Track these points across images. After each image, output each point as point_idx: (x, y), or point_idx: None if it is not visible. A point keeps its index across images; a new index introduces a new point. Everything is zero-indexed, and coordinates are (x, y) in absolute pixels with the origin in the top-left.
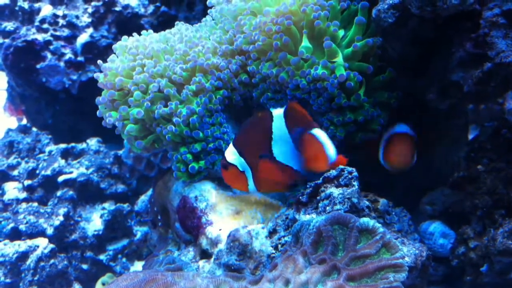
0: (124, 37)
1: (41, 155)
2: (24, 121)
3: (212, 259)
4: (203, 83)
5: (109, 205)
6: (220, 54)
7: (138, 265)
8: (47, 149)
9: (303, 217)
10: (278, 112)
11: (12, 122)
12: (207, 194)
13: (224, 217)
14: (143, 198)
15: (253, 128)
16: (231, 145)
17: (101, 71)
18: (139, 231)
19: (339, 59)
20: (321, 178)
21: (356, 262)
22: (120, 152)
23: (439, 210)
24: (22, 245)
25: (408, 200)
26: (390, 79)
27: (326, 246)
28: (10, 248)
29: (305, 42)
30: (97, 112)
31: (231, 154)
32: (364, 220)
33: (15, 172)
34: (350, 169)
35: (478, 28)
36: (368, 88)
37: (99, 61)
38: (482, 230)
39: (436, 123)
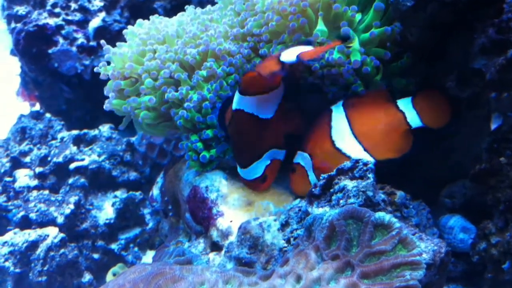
0: (139, 20)
1: (53, 142)
2: (37, 107)
3: (222, 252)
4: (215, 69)
5: (121, 193)
6: (232, 39)
7: (150, 254)
8: (59, 135)
9: (316, 210)
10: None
11: (25, 107)
12: (218, 184)
13: (235, 208)
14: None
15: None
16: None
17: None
18: (151, 220)
19: (355, 44)
20: (335, 170)
21: (370, 259)
22: (133, 139)
23: (459, 203)
24: (32, 234)
25: (427, 193)
26: (408, 64)
27: (339, 242)
28: (20, 238)
29: (321, 25)
30: (104, 106)
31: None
32: (380, 214)
33: (27, 159)
34: (365, 160)
35: (501, 13)
36: (386, 75)
37: (106, 46)
38: (504, 225)
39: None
